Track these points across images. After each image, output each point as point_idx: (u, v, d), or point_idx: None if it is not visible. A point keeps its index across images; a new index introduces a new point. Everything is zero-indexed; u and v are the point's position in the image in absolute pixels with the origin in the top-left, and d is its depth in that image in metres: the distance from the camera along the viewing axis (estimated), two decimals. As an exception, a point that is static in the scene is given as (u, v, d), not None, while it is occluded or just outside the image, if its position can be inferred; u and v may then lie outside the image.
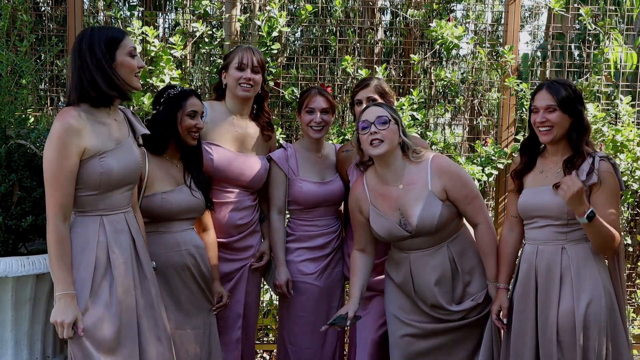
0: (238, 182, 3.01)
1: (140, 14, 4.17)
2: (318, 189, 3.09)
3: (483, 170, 3.93)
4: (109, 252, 2.24)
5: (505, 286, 2.70)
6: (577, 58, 4.66)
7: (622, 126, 3.97)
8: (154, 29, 3.79)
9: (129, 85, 2.29)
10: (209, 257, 2.86)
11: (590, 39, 4.23)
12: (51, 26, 4.51)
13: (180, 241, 2.71)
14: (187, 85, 3.98)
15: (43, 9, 5.10)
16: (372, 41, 4.70)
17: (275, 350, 3.63)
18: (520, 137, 4.04)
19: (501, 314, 2.67)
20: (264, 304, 4.30)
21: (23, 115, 3.02)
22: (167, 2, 6.68)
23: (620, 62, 4.28)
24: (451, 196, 2.67)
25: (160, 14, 5.82)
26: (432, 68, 4.50)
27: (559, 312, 2.47)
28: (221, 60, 4.02)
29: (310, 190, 3.08)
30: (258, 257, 3.12)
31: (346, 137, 3.94)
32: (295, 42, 5.44)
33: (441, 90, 4.63)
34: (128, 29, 3.79)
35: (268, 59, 3.88)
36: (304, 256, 3.13)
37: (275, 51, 3.87)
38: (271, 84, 3.91)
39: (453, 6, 4.46)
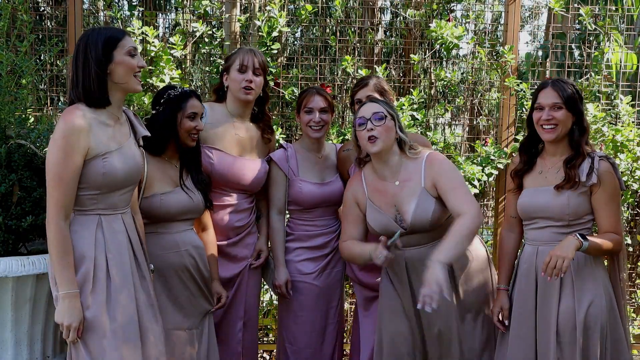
0: (237, 186, 3.01)
1: (140, 14, 4.17)
2: (318, 190, 3.09)
3: (483, 170, 3.93)
4: (106, 252, 2.24)
5: (505, 287, 2.69)
6: (578, 58, 4.66)
7: (622, 126, 3.97)
8: (154, 29, 3.79)
9: (125, 87, 2.28)
10: (208, 256, 2.86)
11: (592, 38, 4.23)
12: (51, 26, 4.51)
13: (179, 242, 2.70)
14: (187, 85, 3.98)
15: (43, 9, 5.10)
16: (372, 41, 4.70)
17: (275, 350, 3.63)
18: (520, 137, 4.04)
19: (501, 315, 2.67)
20: (264, 304, 4.31)
21: (23, 115, 3.02)
22: (167, 2, 6.68)
23: (621, 62, 4.28)
24: (439, 188, 2.62)
25: (160, 14, 5.82)
26: (432, 68, 4.50)
27: (559, 312, 2.47)
28: (221, 61, 4.03)
29: (309, 191, 3.08)
30: (255, 255, 3.12)
31: (346, 137, 3.94)
32: (295, 42, 5.44)
33: (441, 90, 4.63)
34: (128, 29, 3.79)
35: (268, 59, 3.88)
36: (303, 256, 3.13)
37: (275, 51, 3.87)
38: (271, 84, 3.91)
39: (453, 6, 4.46)
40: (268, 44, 3.85)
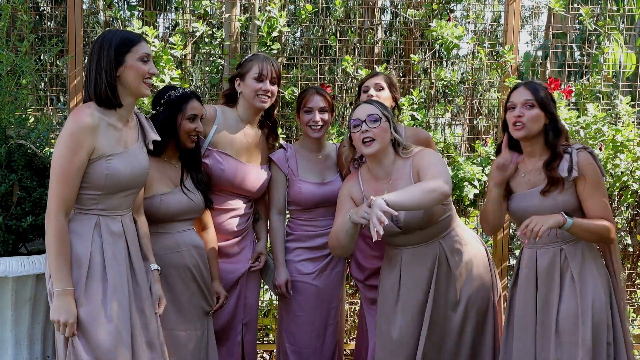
0: (243, 191, 3.01)
1: (140, 14, 4.17)
2: (317, 190, 3.09)
3: (483, 171, 3.93)
4: (103, 253, 2.24)
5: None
6: (578, 58, 4.66)
7: (622, 126, 3.97)
8: (154, 29, 3.79)
9: (134, 91, 2.29)
10: (209, 255, 2.86)
11: (592, 38, 4.23)
12: (51, 26, 4.51)
13: (180, 242, 2.71)
14: (187, 86, 3.98)
15: (43, 9, 5.10)
16: (372, 41, 4.70)
17: (275, 350, 3.63)
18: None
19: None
20: (264, 304, 4.31)
21: (23, 115, 3.02)
22: (167, 2, 6.69)
23: (620, 62, 4.28)
24: (421, 174, 2.61)
25: (160, 14, 5.83)
26: (432, 68, 4.50)
27: (560, 313, 2.47)
28: (221, 61, 4.03)
29: (309, 191, 3.07)
30: (255, 258, 3.12)
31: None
32: (295, 42, 5.44)
33: (441, 90, 4.63)
34: (128, 29, 3.79)
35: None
36: (302, 256, 3.13)
37: (275, 51, 3.87)
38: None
39: (453, 6, 4.46)
40: (268, 44, 3.85)
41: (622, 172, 3.90)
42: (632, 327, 4.48)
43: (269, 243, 3.24)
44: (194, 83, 5.38)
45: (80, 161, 2.16)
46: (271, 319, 4.32)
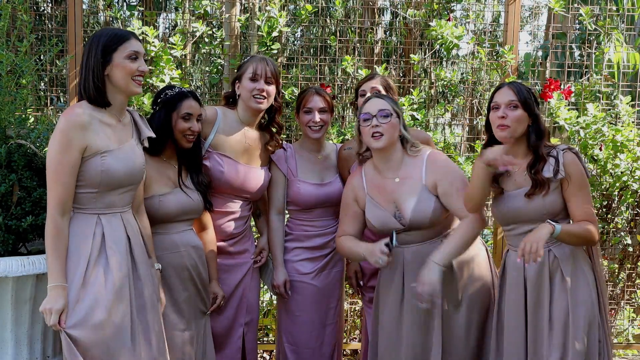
0: (243, 193, 3.01)
1: (140, 14, 4.17)
2: (316, 191, 3.09)
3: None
4: (105, 250, 2.25)
5: None
6: (578, 58, 4.66)
7: (622, 126, 3.97)
8: (154, 29, 3.79)
9: (124, 90, 2.28)
10: (207, 256, 2.86)
11: (592, 39, 4.23)
12: (51, 26, 4.51)
13: (178, 242, 2.70)
14: (187, 86, 3.97)
15: (43, 9, 5.10)
16: (372, 41, 4.70)
17: (275, 350, 3.63)
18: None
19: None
20: (264, 304, 4.31)
21: (23, 115, 3.02)
22: (167, 2, 6.69)
23: (620, 62, 4.28)
24: (440, 190, 2.64)
25: (160, 14, 5.83)
26: (432, 68, 4.50)
27: (552, 313, 2.46)
28: (221, 61, 4.03)
29: (308, 192, 3.07)
30: (257, 253, 3.12)
31: (346, 137, 3.94)
32: (295, 42, 5.44)
33: (441, 90, 4.63)
34: (128, 29, 3.79)
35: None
36: (301, 255, 3.13)
37: (275, 51, 3.87)
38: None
39: (453, 6, 4.46)
40: (268, 44, 3.85)
41: (622, 172, 3.90)
42: (632, 327, 4.48)
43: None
44: (194, 83, 5.38)
45: (73, 159, 2.17)
46: (271, 319, 4.32)
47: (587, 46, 4.23)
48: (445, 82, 4.15)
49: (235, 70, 3.15)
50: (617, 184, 3.94)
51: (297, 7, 4.24)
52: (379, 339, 2.85)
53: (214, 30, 4.03)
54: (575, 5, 4.34)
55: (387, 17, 6.40)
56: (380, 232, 2.78)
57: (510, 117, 2.46)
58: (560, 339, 2.43)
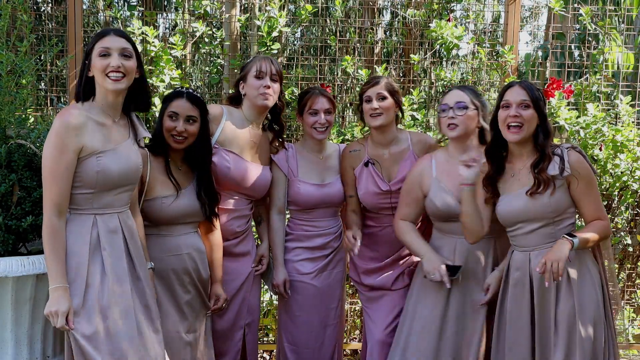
0: (246, 190, 3.01)
1: (140, 14, 4.17)
2: (316, 191, 3.09)
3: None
4: (101, 251, 2.25)
5: None
6: (577, 58, 4.66)
7: (622, 126, 3.97)
8: (154, 29, 3.78)
9: (103, 87, 2.26)
10: (213, 258, 2.84)
11: (590, 39, 4.23)
12: (51, 26, 4.51)
13: (181, 244, 2.69)
14: (187, 86, 3.97)
15: (43, 9, 5.10)
16: (372, 41, 4.70)
17: (275, 350, 3.63)
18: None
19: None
20: (264, 304, 4.30)
21: (23, 115, 3.02)
22: (167, 2, 6.69)
23: (620, 62, 4.28)
24: None
25: (160, 14, 5.83)
26: (432, 68, 4.50)
27: (558, 313, 2.46)
28: (221, 61, 4.03)
29: (308, 192, 3.07)
30: (257, 260, 3.12)
31: (346, 137, 3.94)
32: (295, 42, 5.44)
33: (441, 90, 4.63)
34: (128, 29, 3.79)
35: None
36: (302, 255, 3.13)
37: (275, 51, 3.87)
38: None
39: (453, 6, 4.46)
40: (268, 44, 3.85)
41: (622, 172, 3.89)
42: (632, 327, 4.48)
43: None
44: (194, 83, 5.38)
45: (68, 161, 2.17)
46: (271, 319, 4.32)
47: (587, 46, 4.23)
48: (445, 82, 4.15)
49: (236, 71, 3.16)
50: (617, 184, 3.94)
51: (297, 7, 4.24)
52: (412, 329, 2.83)
53: (214, 30, 4.03)
54: (575, 5, 4.34)
55: (387, 17, 6.40)
56: (441, 215, 2.79)
57: (522, 117, 2.47)
58: (566, 339, 2.43)
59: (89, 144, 2.21)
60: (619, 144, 3.90)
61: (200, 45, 4.10)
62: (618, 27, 4.59)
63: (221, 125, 2.93)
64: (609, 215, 4.11)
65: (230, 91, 3.93)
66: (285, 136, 3.58)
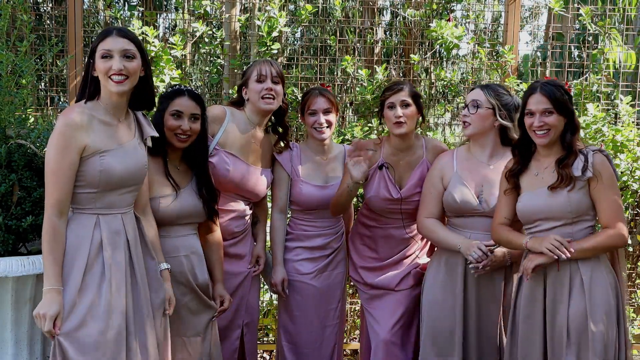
0: (246, 193, 3.01)
1: (140, 14, 4.17)
2: (318, 193, 3.08)
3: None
4: (102, 252, 2.23)
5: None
6: (577, 58, 4.66)
7: (622, 126, 3.97)
8: (154, 29, 3.78)
9: (106, 88, 2.25)
10: (214, 258, 2.82)
11: (590, 39, 4.23)
12: (51, 26, 4.51)
13: (179, 246, 2.66)
14: (187, 84, 3.97)
15: (43, 9, 5.10)
16: (372, 41, 4.70)
17: (275, 350, 3.63)
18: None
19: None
20: (264, 304, 4.31)
21: (23, 115, 3.02)
22: (167, 2, 6.69)
23: (620, 62, 4.28)
24: None
25: (160, 14, 5.83)
26: (432, 68, 4.50)
27: (570, 313, 2.46)
28: (221, 61, 4.03)
29: (309, 193, 3.07)
30: (254, 261, 3.12)
31: (346, 137, 3.94)
32: (295, 42, 5.44)
33: (441, 90, 4.63)
34: (128, 28, 3.79)
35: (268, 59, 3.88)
36: (301, 255, 3.13)
37: (275, 51, 3.87)
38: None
39: (453, 6, 4.46)
40: (268, 44, 3.85)
41: (622, 172, 3.89)
42: (632, 327, 4.48)
43: (267, 243, 3.24)
44: (194, 83, 5.37)
45: (71, 160, 2.15)
46: (271, 319, 4.32)
47: (587, 46, 4.23)
48: (445, 82, 4.15)
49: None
50: (617, 184, 3.94)
51: (297, 7, 4.24)
52: (430, 313, 2.89)
53: (214, 30, 4.03)
54: (575, 5, 4.34)
55: (387, 17, 6.40)
56: (457, 210, 2.81)
57: (547, 124, 2.48)
58: (577, 340, 2.44)
59: (92, 143, 2.19)
60: (619, 144, 3.90)
61: (200, 45, 4.11)
62: (618, 26, 4.59)
63: (223, 126, 2.92)
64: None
65: (230, 91, 3.94)
66: (286, 137, 3.57)
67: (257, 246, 3.16)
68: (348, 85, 4.40)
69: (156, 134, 2.44)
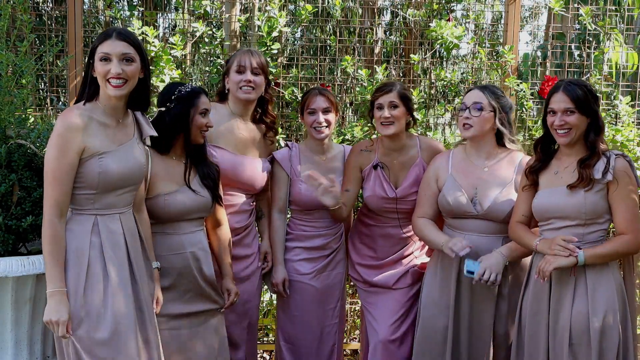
0: (239, 185, 3.01)
1: (140, 14, 4.17)
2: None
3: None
4: (102, 252, 2.24)
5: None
6: (577, 58, 4.66)
7: (622, 126, 3.96)
8: (154, 29, 3.78)
9: (105, 92, 2.24)
10: (220, 253, 2.83)
11: (591, 39, 4.23)
12: (51, 26, 4.51)
13: (185, 243, 2.67)
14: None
15: (43, 9, 5.10)
16: (372, 41, 4.70)
17: (275, 350, 3.63)
18: (520, 137, 4.04)
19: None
20: (264, 304, 4.31)
21: (23, 115, 3.02)
22: (167, 2, 6.68)
23: (621, 62, 4.28)
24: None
25: (160, 14, 5.83)
26: (432, 68, 4.50)
27: (572, 314, 2.46)
28: (221, 61, 4.03)
29: (308, 193, 3.07)
30: (262, 258, 3.12)
31: (346, 137, 3.94)
32: (295, 42, 5.44)
33: (441, 90, 4.62)
34: (128, 29, 3.79)
35: (268, 59, 3.88)
36: (301, 255, 3.13)
37: (275, 51, 3.87)
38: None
39: (453, 6, 4.46)
40: (268, 44, 3.85)
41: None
42: (632, 327, 4.47)
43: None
44: (194, 83, 5.36)
45: (70, 162, 2.16)
46: (271, 319, 4.32)
47: (587, 46, 4.23)
48: (445, 82, 4.15)
49: (222, 61, 3.16)
50: (617, 184, 3.93)
51: (297, 7, 4.24)
52: (424, 313, 2.91)
53: (214, 30, 4.03)
54: (575, 5, 4.34)
55: (387, 17, 6.40)
56: (451, 212, 2.82)
57: (568, 123, 2.48)
58: (577, 344, 2.44)
59: (91, 144, 2.20)
60: (619, 144, 3.89)
61: (200, 45, 4.11)
62: (618, 27, 4.59)
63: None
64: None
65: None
66: (285, 136, 3.57)
67: (264, 243, 3.16)
68: (348, 85, 4.40)
69: (155, 134, 2.45)
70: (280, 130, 3.91)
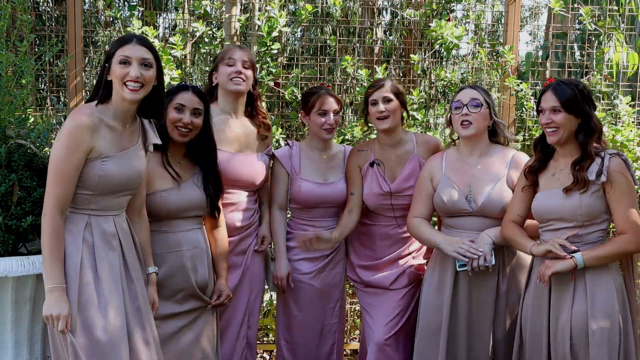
0: (237, 182, 3.01)
1: (140, 14, 4.17)
2: (317, 189, 3.09)
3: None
4: (94, 252, 2.24)
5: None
6: (578, 58, 4.66)
7: (622, 126, 3.96)
8: (154, 29, 3.79)
9: (119, 94, 2.25)
10: (218, 253, 2.83)
11: (592, 39, 4.23)
12: (51, 26, 4.51)
13: (181, 241, 2.67)
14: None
15: (43, 9, 5.10)
16: (372, 41, 4.70)
17: (275, 350, 3.63)
18: (520, 137, 4.04)
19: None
20: (264, 304, 4.31)
21: (23, 115, 3.02)
22: (167, 2, 6.69)
23: (620, 62, 4.27)
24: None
25: (160, 14, 5.83)
26: (432, 68, 4.50)
27: (572, 315, 2.46)
28: (221, 61, 4.03)
29: (309, 190, 3.07)
30: (259, 241, 3.12)
31: (346, 137, 3.94)
32: (295, 42, 5.44)
33: (441, 90, 4.63)
34: (128, 29, 3.79)
35: (268, 59, 3.88)
36: (300, 255, 3.13)
37: (275, 51, 3.87)
38: (271, 84, 3.91)
39: (453, 6, 4.46)
40: (268, 44, 3.85)
41: (622, 172, 3.89)
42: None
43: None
44: (194, 83, 5.35)
45: (78, 160, 2.16)
46: (271, 319, 4.32)
47: (587, 46, 4.23)
48: (445, 82, 4.15)
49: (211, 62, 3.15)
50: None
51: (297, 7, 4.24)
52: (423, 314, 2.91)
53: (214, 30, 4.03)
54: (575, 5, 4.34)
55: (386, 17, 6.40)
56: (446, 211, 2.83)
57: (554, 122, 2.49)
58: (577, 344, 2.44)
59: (98, 146, 2.21)
60: (619, 144, 3.89)
61: (200, 45, 4.11)
62: (619, 27, 4.59)
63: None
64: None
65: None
66: (284, 136, 3.56)
67: (262, 226, 3.15)
68: (348, 85, 4.40)
69: (159, 142, 2.46)
70: (280, 130, 3.92)
